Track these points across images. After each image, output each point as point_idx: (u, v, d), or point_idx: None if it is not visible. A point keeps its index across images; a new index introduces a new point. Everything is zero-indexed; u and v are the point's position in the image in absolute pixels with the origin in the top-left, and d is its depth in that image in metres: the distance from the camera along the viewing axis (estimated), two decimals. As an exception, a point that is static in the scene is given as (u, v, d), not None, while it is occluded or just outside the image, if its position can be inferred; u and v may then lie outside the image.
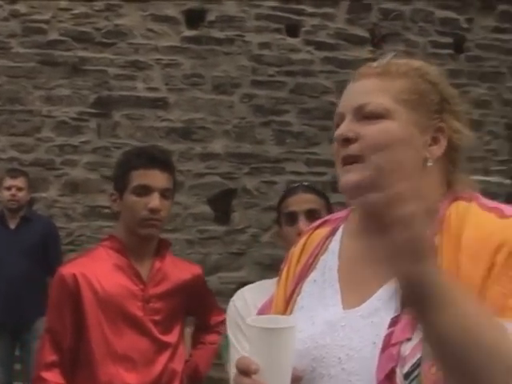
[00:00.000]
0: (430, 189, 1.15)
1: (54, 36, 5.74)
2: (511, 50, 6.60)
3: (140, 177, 2.25)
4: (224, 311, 2.48)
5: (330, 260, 1.26)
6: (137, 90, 5.66)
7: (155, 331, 2.29)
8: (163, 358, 2.32)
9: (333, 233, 1.30)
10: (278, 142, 5.54)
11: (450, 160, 1.19)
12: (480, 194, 1.19)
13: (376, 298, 1.13)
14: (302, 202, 2.31)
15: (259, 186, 5.56)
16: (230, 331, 2.14)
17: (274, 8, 5.92)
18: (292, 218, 2.26)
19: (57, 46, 5.72)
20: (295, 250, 1.35)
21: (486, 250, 1.05)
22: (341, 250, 1.26)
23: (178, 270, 2.43)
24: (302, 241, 1.35)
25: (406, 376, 1.01)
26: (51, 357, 2.22)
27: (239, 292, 2.54)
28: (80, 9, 5.78)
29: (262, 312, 1.35)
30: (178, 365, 2.38)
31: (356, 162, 1.15)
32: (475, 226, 1.09)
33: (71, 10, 5.77)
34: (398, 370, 1.02)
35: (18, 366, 4.75)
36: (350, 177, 1.15)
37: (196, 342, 2.58)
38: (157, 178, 2.26)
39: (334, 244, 1.27)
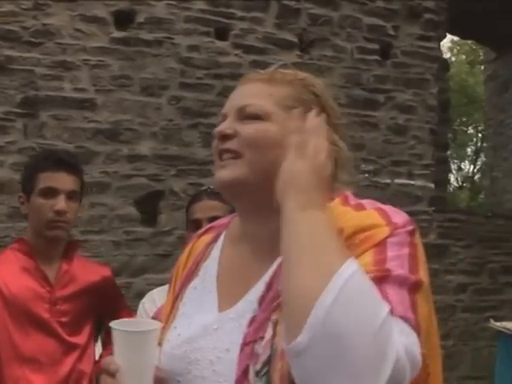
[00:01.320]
0: None
1: (-22, 35, 5.66)
2: (435, 58, 6.81)
3: (46, 179, 2.31)
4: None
5: (210, 266, 1.32)
6: (64, 91, 5.63)
7: (62, 333, 2.34)
8: (71, 359, 2.38)
9: (215, 239, 1.37)
10: (205, 144, 5.59)
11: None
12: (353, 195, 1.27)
13: (245, 300, 1.20)
14: (207, 208, 2.40)
15: (186, 188, 5.60)
16: None
17: (203, 11, 5.96)
18: (196, 224, 2.34)
19: (-19, 44, 5.64)
20: (182, 257, 1.42)
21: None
22: (221, 256, 1.32)
23: (86, 271, 2.48)
24: (188, 248, 1.42)
25: (258, 373, 1.08)
26: None
27: (149, 293, 2.62)
28: (7, 7, 5.69)
29: (156, 316, 1.41)
30: (87, 366, 2.44)
31: (234, 158, 1.21)
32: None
33: (-2, 8, 5.70)
34: (251, 368, 1.09)
35: None
36: (224, 173, 1.22)
37: (106, 343, 2.64)
38: (63, 181, 2.32)
39: (216, 250, 1.34)
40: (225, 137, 1.24)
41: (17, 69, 5.64)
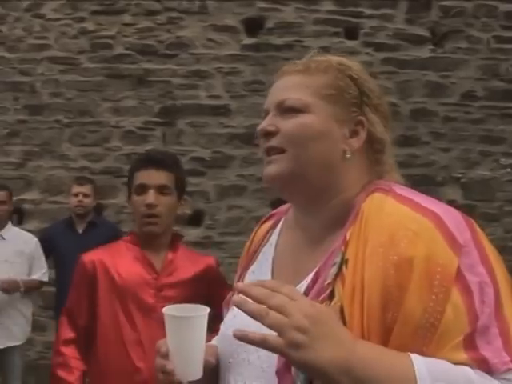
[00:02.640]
0: (350, 181, 1.19)
1: (119, 50, 5.99)
2: None
3: (139, 177, 2.46)
4: None
5: (267, 252, 1.33)
6: (199, 99, 5.82)
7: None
8: None
9: (274, 226, 1.37)
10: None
11: (373, 151, 1.21)
12: (403, 184, 1.20)
13: (298, 287, 1.16)
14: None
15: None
16: None
17: (331, 12, 5.96)
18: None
19: (122, 59, 5.97)
20: (247, 243, 1.44)
21: (392, 250, 1.05)
22: (278, 242, 1.33)
23: (191, 261, 2.56)
24: (252, 233, 1.44)
25: None
26: (69, 334, 2.46)
27: None
28: (143, 23, 6.01)
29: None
30: None
31: (279, 153, 1.20)
32: (386, 220, 1.09)
33: (135, 24, 6.01)
34: None
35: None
36: (270, 169, 1.20)
37: (212, 330, 2.69)
38: (152, 176, 2.43)
39: (274, 237, 1.34)
40: (268, 134, 1.22)
41: (154, 80, 5.92)
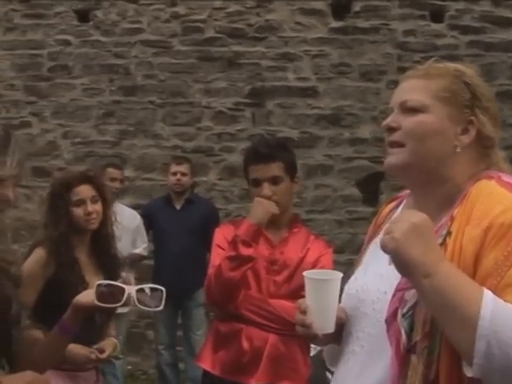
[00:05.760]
0: (460, 171, 1.41)
1: (210, 33, 6.22)
2: None
3: (251, 172, 2.72)
4: None
5: None
6: (288, 81, 6.02)
7: (272, 290, 2.64)
8: None
9: (397, 206, 1.61)
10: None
11: (482, 146, 1.42)
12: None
13: None
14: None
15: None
16: None
17: (418, -5, 6.06)
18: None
19: (213, 42, 6.20)
20: (374, 219, 1.70)
21: (486, 219, 1.27)
22: None
23: (303, 243, 2.76)
24: (378, 212, 1.70)
25: (404, 315, 1.31)
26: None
27: None
28: (233, 7, 6.22)
29: None
30: None
31: (399, 146, 1.43)
32: (485, 199, 1.31)
33: (225, 8, 6.23)
34: (399, 310, 1.32)
35: (179, 333, 5.28)
36: (390, 160, 1.45)
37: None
38: (262, 171, 2.69)
39: (395, 214, 1.57)
40: (391, 129, 1.44)
41: (244, 63, 6.13)
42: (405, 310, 1.31)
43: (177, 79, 6.22)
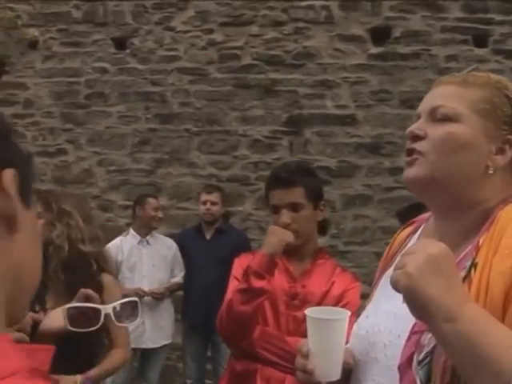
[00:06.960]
0: (490, 195, 1.21)
1: (247, 61, 6.14)
2: None
3: (271, 198, 2.54)
4: None
5: None
6: (326, 108, 5.89)
7: (291, 327, 2.47)
8: None
9: (414, 232, 1.41)
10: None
11: None
12: None
13: None
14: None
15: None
16: None
17: (459, 19, 5.88)
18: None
19: (250, 69, 6.12)
20: (387, 247, 1.50)
21: None
22: None
23: (328, 276, 2.58)
24: (393, 238, 1.50)
25: (420, 362, 1.11)
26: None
27: None
28: (270, 34, 6.14)
29: None
30: None
31: (418, 157, 1.24)
32: None
33: (262, 35, 6.15)
34: (414, 356, 1.12)
35: (209, 366, 5.14)
36: (409, 171, 1.25)
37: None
38: (280, 197, 2.48)
39: (412, 241, 1.37)
40: (415, 137, 1.25)
41: (281, 90, 6.03)
42: (421, 357, 1.12)
43: (213, 107, 6.15)
